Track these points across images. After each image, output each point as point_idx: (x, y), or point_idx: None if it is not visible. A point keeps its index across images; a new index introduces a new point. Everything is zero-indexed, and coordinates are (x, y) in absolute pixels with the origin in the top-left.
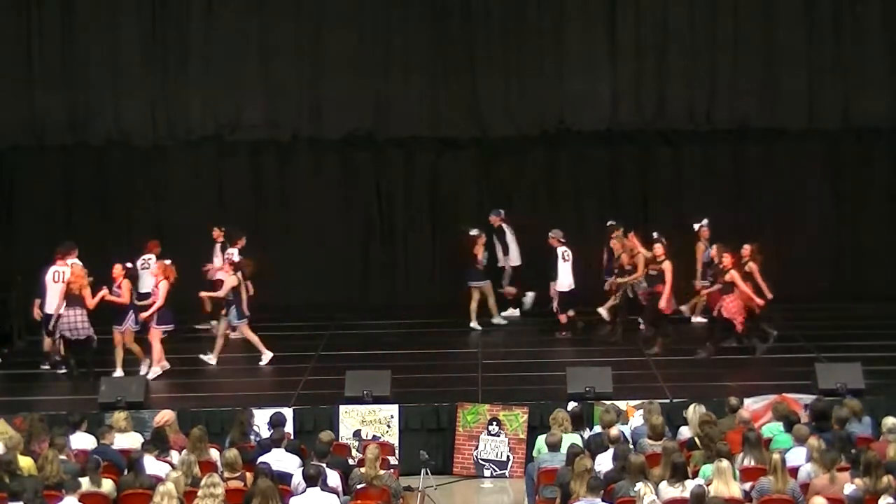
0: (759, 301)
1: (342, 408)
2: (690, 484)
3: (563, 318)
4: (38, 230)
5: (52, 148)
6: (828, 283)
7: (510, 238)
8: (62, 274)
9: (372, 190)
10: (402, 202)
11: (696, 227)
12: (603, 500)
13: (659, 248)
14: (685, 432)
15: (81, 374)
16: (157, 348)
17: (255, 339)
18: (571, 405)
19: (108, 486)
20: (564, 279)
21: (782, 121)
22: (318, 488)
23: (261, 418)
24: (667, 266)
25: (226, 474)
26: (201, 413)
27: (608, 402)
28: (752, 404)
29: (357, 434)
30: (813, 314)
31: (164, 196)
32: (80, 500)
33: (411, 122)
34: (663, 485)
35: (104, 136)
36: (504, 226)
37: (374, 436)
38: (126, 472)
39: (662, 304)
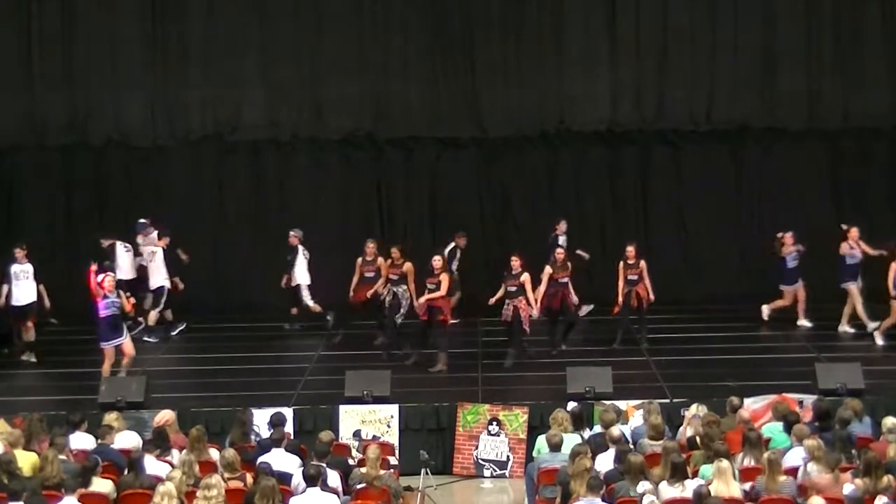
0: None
1: (342, 408)
2: (690, 484)
3: (314, 308)
4: (38, 230)
5: (52, 148)
6: (827, 283)
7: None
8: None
9: (372, 190)
10: (402, 202)
11: None
12: (603, 500)
13: (437, 262)
14: (685, 432)
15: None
16: None
17: None
18: (571, 405)
19: (107, 486)
20: (305, 274)
21: (782, 121)
22: (318, 488)
23: (261, 418)
24: (444, 278)
25: (226, 475)
26: (201, 413)
27: (608, 402)
28: (752, 404)
29: (357, 434)
30: (813, 314)
31: (164, 196)
32: (79, 500)
33: (411, 122)
34: (663, 485)
35: (104, 136)
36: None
37: (374, 436)
38: (126, 472)
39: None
